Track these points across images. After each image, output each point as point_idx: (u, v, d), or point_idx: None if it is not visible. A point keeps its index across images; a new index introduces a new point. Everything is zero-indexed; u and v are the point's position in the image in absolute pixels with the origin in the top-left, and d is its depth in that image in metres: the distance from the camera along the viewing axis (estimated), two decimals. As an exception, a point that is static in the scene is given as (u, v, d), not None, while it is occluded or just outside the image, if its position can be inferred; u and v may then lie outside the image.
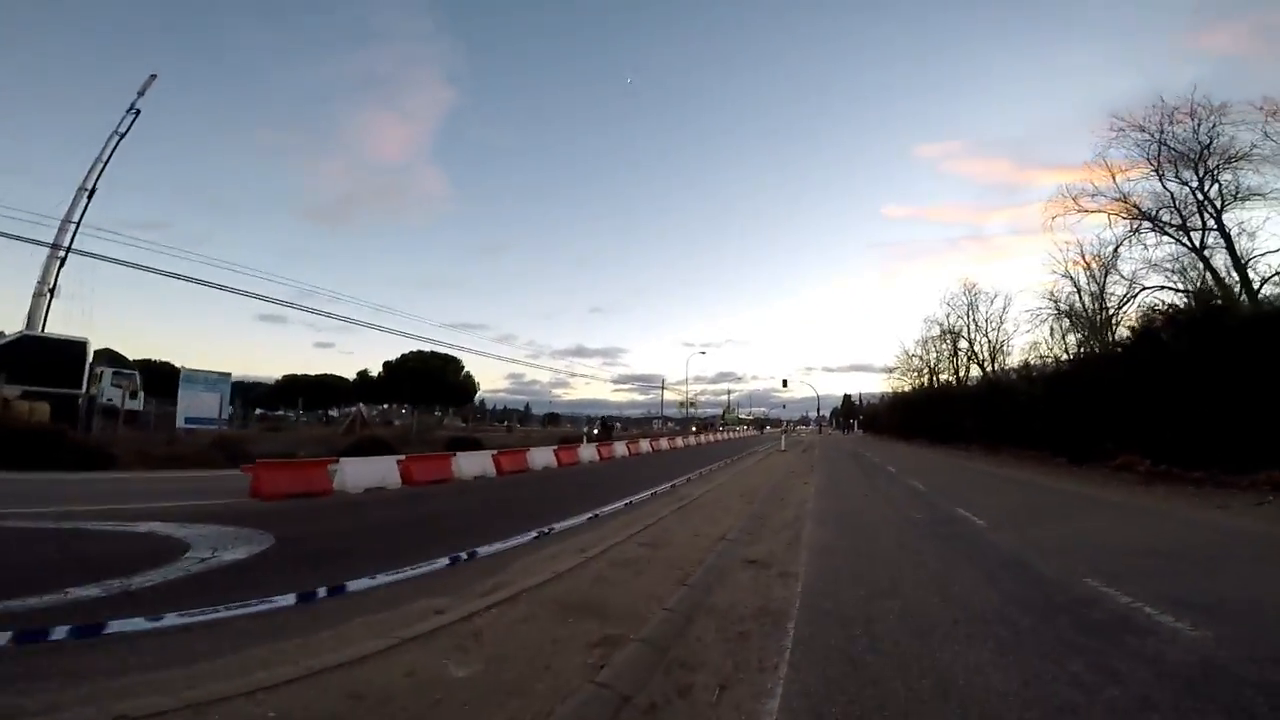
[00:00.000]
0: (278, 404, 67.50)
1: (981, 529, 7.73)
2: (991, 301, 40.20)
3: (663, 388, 70.32)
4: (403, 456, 15.12)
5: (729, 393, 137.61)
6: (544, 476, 17.43)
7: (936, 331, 45.22)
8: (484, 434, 50.16)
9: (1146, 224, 21.37)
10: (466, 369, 68.49)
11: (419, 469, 14.57)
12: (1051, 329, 30.60)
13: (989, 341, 41.08)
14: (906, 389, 53.34)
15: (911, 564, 5.95)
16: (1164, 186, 20.86)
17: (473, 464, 16.39)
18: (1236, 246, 19.84)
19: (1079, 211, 23.39)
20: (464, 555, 6.23)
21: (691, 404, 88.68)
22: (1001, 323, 39.81)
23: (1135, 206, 21.77)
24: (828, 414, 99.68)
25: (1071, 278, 29.47)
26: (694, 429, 64.23)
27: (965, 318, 41.70)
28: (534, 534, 7.76)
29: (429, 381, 64.62)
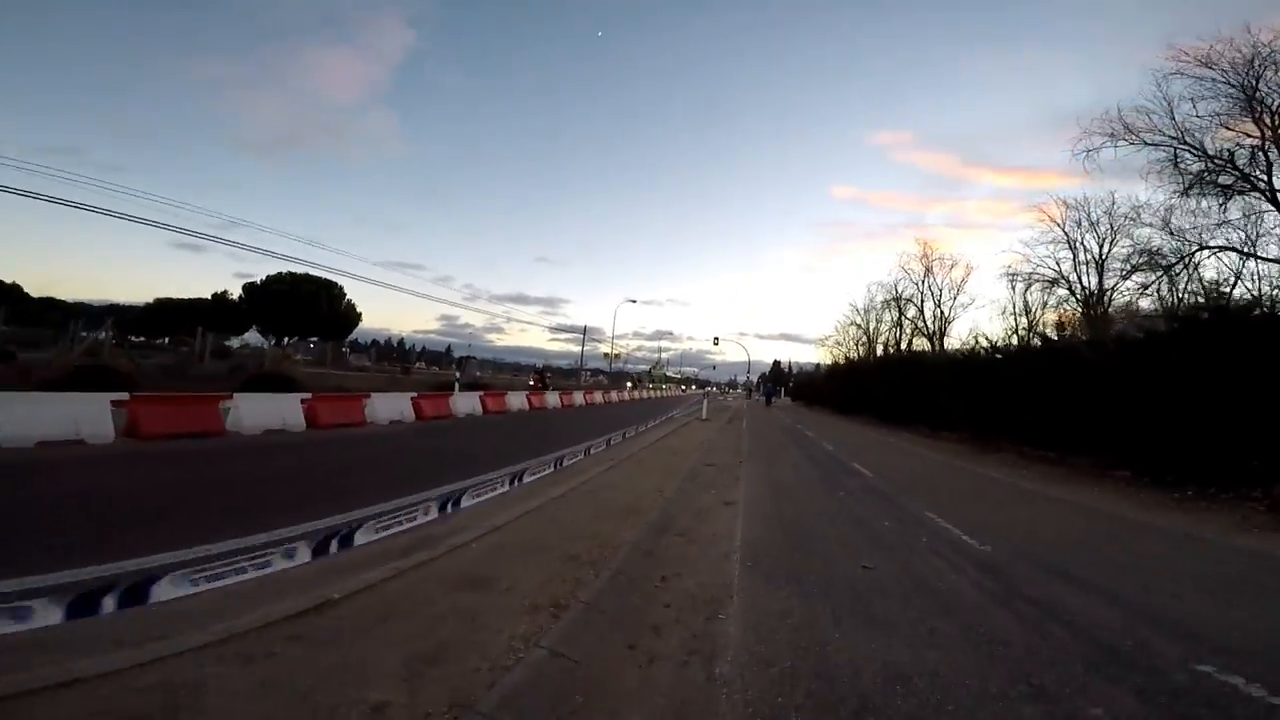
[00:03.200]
0: (152, 330, 55.71)
1: None
2: (950, 268, 34.80)
3: (584, 335, 62.42)
4: (308, 395, 12.83)
5: (660, 350, 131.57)
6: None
7: (881, 299, 39.78)
8: (360, 377, 40.97)
9: (1228, 171, 15.14)
10: (348, 297, 57.92)
11: (326, 410, 12.33)
12: (1021, 305, 25.56)
13: (940, 313, 35.91)
14: (843, 359, 48.05)
15: None
16: (1260, 127, 14.63)
17: (391, 408, 14.13)
18: None
19: (1126, 142, 16.98)
20: None
21: (617, 356, 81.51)
22: (958, 293, 34.64)
23: (1198, 148, 15.51)
24: (756, 379, 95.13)
25: (1070, 241, 24.14)
26: (600, 385, 57.22)
27: (919, 285, 36.28)
28: None
29: (299, 308, 53.86)
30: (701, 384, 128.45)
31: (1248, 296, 13.86)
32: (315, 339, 65.66)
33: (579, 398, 28.77)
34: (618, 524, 5.96)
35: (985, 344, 18.53)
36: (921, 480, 10.24)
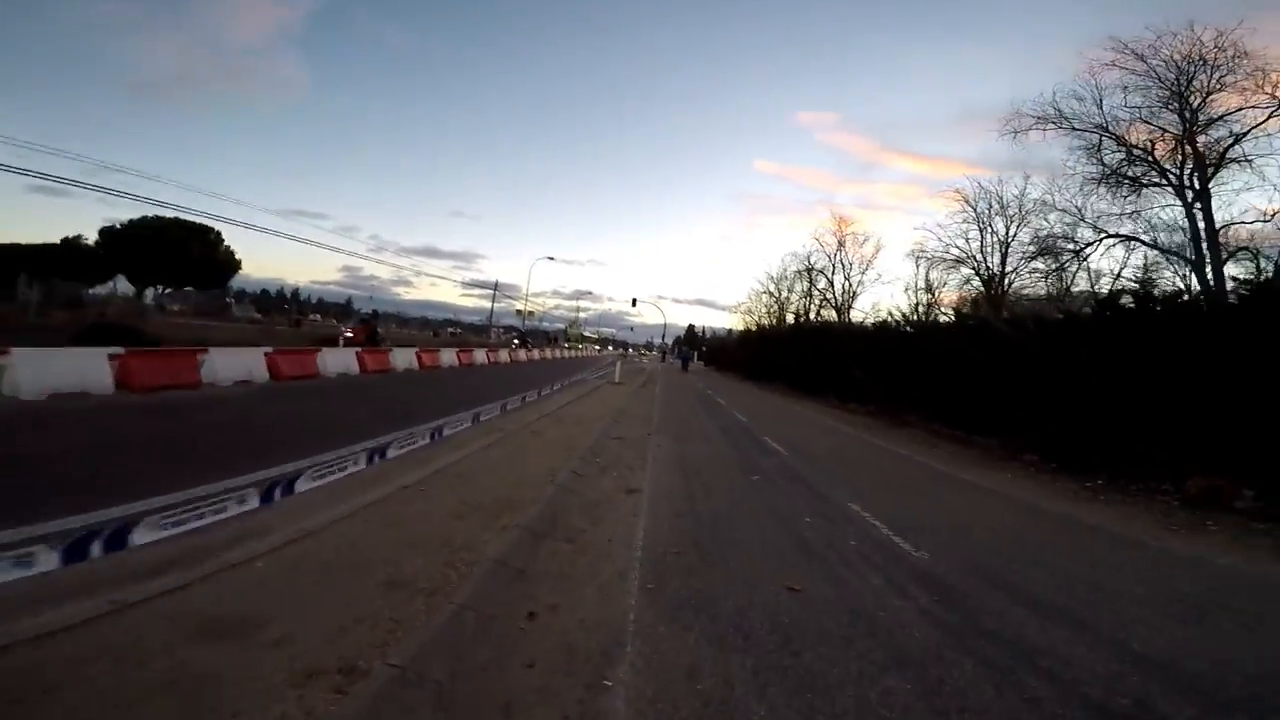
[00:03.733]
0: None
1: None
2: (862, 243, 35.63)
3: (495, 290, 59.28)
4: (121, 351, 9.90)
5: (578, 310, 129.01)
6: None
7: (794, 269, 40.35)
8: (234, 329, 36.77)
9: (1144, 162, 15.42)
10: (226, 243, 51.62)
11: (145, 369, 9.85)
12: (924, 282, 26.22)
13: (849, 285, 36.81)
14: (755, 327, 48.59)
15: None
16: (1184, 123, 14.89)
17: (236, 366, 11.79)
18: (1214, 213, 14.67)
19: (1054, 125, 17.06)
20: None
21: (531, 314, 78.91)
22: (867, 268, 35.56)
23: (1120, 139, 15.76)
24: (671, 342, 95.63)
25: (980, 222, 24.83)
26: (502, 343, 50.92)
27: (832, 257, 36.97)
28: None
29: (167, 254, 47.29)
30: (619, 344, 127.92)
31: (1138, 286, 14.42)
32: (191, 288, 58.50)
33: (480, 356, 26.67)
34: (483, 525, 4.62)
35: (898, 317, 18.47)
36: (837, 460, 9.62)
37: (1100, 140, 15.59)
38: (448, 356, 22.08)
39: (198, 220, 37.91)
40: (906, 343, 16.26)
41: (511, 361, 32.01)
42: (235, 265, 55.48)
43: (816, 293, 38.90)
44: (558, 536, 4.72)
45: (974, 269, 24.88)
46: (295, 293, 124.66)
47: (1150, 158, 14.93)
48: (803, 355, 26.00)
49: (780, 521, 5.54)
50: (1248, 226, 13.77)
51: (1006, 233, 24.21)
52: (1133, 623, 3.75)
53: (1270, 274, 13.07)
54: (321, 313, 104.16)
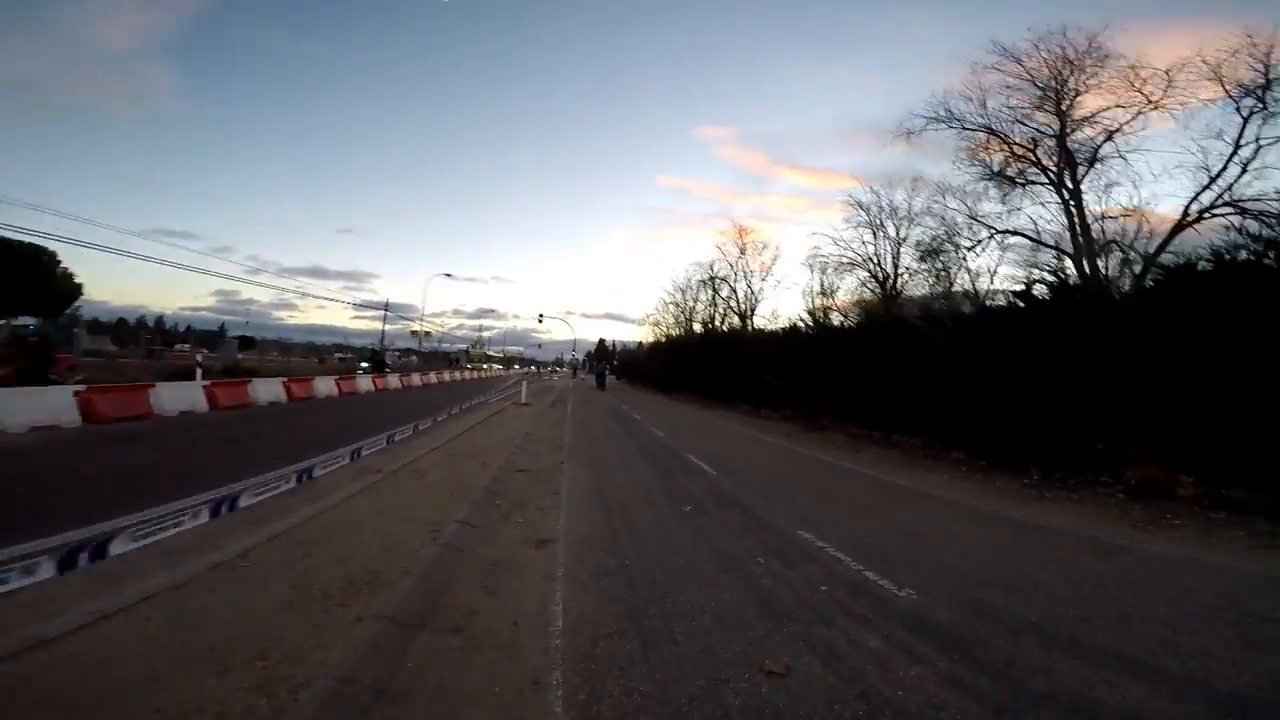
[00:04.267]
0: None
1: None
2: (761, 250, 36.71)
3: (385, 310, 55.03)
4: None
5: (481, 329, 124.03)
6: None
7: (698, 278, 40.95)
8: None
9: (1028, 163, 16.25)
10: (64, 266, 44.72)
11: None
12: (819, 286, 26.65)
13: (751, 293, 37.68)
14: (664, 338, 48.59)
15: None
16: (1061, 121, 15.82)
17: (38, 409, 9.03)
18: (1086, 208, 15.73)
19: (945, 125, 17.70)
20: None
21: (428, 335, 74.36)
22: (767, 275, 36.58)
23: (1006, 139, 16.60)
24: (582, 358, 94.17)
25: (873, 226, 25.62)
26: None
27: (734, 265, 37.76)
28: None
29: (-9, 279, 39.76)
30: (526, 362, 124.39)
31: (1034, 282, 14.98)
32: (29, 318, 49.88)
33: (365, 383, 23.96)
34: (326, 618, 3.19)
35: (803, 321, 18.38)
36: (768, 475, 8.81)
37: (988, 139, 16.29)
38: (324, 385, 19.42)
39: (29, 239, 31.99)
40: (816, 345, 16.07)
41: (404, 387, 29.27)
42: (75, 291, 47.92)
43: (720, 300, 39.63)
44: (439, 624, 3.37)
45: (870, 271, 25.74)
46: (159, 320, 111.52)
47: (1033, 156, 15.74)
48: (713, 364, 25.65)
49: (730, 568, 4.48)
50: (1118, 221, 14.74)
51: (898, 234, 25.27)
52: (1197, 655, 3.04)
53: (1140, 268, 14.09)
54: (191, 341, 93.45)
